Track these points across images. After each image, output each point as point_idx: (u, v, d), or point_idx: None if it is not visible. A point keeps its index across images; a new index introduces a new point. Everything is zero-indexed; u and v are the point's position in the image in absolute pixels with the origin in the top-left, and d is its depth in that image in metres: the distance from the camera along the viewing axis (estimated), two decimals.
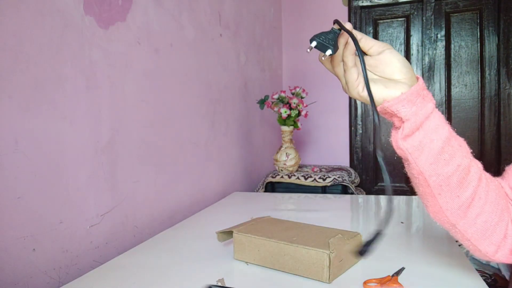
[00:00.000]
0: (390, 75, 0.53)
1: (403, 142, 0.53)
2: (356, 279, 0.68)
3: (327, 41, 0.52)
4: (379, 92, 0.53)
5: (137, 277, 0.72)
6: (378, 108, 0.53)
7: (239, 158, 1.80)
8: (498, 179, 0.61)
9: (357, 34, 0.53)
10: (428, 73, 2.49)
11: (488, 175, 0.58)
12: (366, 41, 0.54)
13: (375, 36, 2.57)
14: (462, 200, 0.54)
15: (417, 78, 0.55)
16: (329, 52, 0.52)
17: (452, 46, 2.45)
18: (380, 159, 0.50)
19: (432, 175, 0.53)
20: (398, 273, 0.68)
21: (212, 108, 1.51)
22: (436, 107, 0.53)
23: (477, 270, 0.85)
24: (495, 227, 0.56)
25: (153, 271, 0.74)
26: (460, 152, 0.54)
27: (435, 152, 0.52)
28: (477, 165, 0.56)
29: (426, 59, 2.48)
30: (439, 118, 0.53)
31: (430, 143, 0.52)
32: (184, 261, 0.79)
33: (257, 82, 2.11)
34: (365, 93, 0.54)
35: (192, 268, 0.75)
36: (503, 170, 0.63)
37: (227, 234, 0.81)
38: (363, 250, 0.50)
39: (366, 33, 2.57)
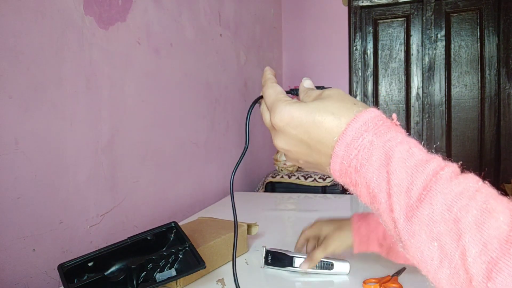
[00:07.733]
0: None
1: None
2: (356, 278, 0.68)
3: None
4: None
5: None
6: None
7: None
8: None
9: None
10: (428, 73, 2.49)
11: None
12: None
13: (375, 36, 2.57)
14: None
15: None
16: None
17: (452, 46, 2.45)
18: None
19: None
20: (398, 273, 0.68)
21: (212, 108, 1.51)
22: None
23: None
24: None
25: None
26: None
27: None
28: None
29: (426, 59, 2.48)
30: None
31: None
32: None
33: (257, 82, 2.11)
34: None
35: None
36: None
37: None
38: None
39: (366, 33, 2.57)
